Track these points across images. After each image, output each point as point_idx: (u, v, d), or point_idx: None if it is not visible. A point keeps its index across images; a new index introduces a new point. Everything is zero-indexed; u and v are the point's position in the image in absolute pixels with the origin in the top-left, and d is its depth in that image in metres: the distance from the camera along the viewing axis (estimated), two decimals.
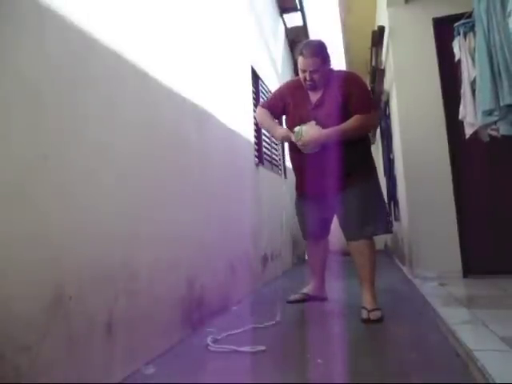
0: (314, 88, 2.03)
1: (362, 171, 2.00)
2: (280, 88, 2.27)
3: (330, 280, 3.30)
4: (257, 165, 3.15)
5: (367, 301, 1.89)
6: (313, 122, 1.96)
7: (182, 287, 1.70)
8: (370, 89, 2.14)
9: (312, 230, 2.21)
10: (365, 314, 1.83)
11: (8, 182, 0.92)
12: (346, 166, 1.93)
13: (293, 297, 2.24)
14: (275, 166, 4.02)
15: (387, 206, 2.18)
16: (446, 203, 2.75)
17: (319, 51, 1.97)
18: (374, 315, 1.81)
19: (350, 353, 1.39)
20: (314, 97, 2.05)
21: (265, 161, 3.55)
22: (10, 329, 0.89)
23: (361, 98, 1.96)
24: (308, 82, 2.01)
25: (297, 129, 1.97)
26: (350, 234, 2.01)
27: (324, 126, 1.94)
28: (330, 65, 2.04)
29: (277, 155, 4.15)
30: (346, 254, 5.81)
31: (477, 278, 2.52)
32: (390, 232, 2.11)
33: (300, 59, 2.00)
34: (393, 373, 1.21)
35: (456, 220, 2.72)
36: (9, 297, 0.90)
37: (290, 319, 1.99)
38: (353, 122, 1.92)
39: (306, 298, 2.22)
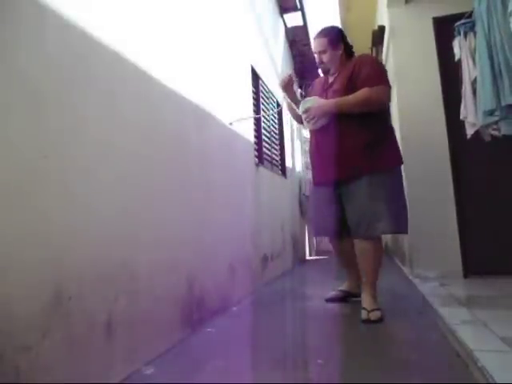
0: (326, 70, 2.08)
1: (374, 159, 1.86)
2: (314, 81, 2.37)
3: (329, 280, 3.31)
4: (257, 165, 3.14)
5: (367, 301, 1.86)
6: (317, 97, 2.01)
7: (181, 287, 1.70)
8: (383, 67, 2.05)
9: (326, 226, 2.08)
10: (364, 315, 1.81)
11: (8, 182, 0.92)
12: (355, 153, 1.87)
13: (330, 294, 2.22)
14: (275, 166, 4.02)
15: (405, 202, 1.97)
16: (447, 203, 2.75)
17: (327, 32, 2.04)
18: (374, 315, 1.79)
19: (349, 353, 1.39)
20: (329, 80, 2.10)
21: (265, 161, 3.54)
22: (10, 328, 0.89)
23: (369, 73, 1.89)
24: (319, 65, 2.08)
25: (302, 101, 2.04)
26: (355, 230, 1.90)
27: None
28: (339, 48, 2.04)
29: (277, 155, 4.15)
30: None
31: (477, 278, 2.52)
32: (406, 232, 1.93)
33: (312, 44, 2.12)
34: (393, 373, 1.21)
35: (456, 220, 2.72)
36: (9, 296, 0.90)
37: (291, 319, 1.99)
38: (358, 93, 1.86)
39: (344, 296, 2.19)
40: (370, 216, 1.83)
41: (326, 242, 6.09)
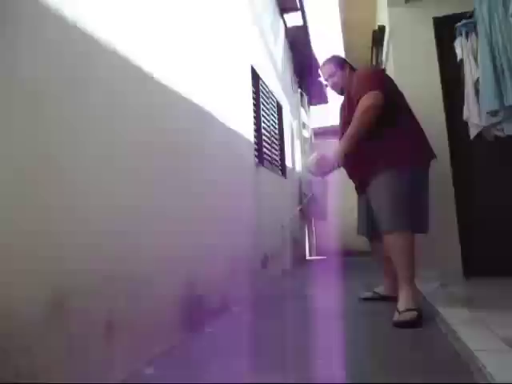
0: (341, 92, 2.25)
1: (383, 162, 1.89)
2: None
3: (329, 280, 3.31)
4: (257, 165, 3.14)
5: (400, 301, 1.74)
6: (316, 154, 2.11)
7: (182, 287, 1.70)
8: (373, 73, 2.06)
9: (360, 227, 2.21)
10: (395, 317, 1.68)
11: (8, 182, 0.92)
12: (368, 156, 1.94)
13: (364, 294, 2.28)
14: (275, 166, 4.02)
15: (420, 200, 1.90)
16: (447, 203, 2.74)
17: (331, 58, 2.28)
18: (404, 316, 1.65)
19: (350, 353, 1.39)
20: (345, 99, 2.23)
21: (265, 161, 3.54)
22: (10, 329, 0.89)
23: (356, 88, 1.96)
24: (333, 87, 2.26)
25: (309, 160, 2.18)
26: (380, 225, 1.91)
27: (347, 122, 2.03)
28: (346, 68, 2.22)
29: (277, 155, 4.14)
30: (345, 254, 5.82)
31: (477, 278, 2.51)
32: (422, 232, 1.89)
33: (321, 74, 2.36)
34: (393, 373, 1.21)
35: (456, 220, 2.71)
36: (9, 296, 0.90)
37: (290, 319, 1.99)
38: (352, 123, 1.91)
39: (377, 297, 2.23)
40: (378, 215, 1.91)
41: (326, 242, 6.09)
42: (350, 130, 1.91)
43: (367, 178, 1.98)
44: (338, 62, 2.24)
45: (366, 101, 1.85)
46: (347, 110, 2.10)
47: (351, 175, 2.18)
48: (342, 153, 1.94)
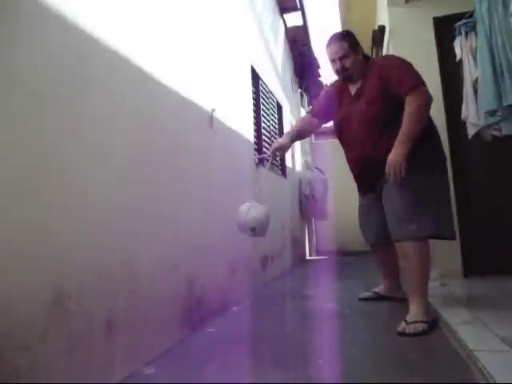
0: (349, 77, 1.87)
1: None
2: (323, 91, 2.20)
3: (329, 280, 3.31)
4: (257, 165, 3.14)
5: (410, 312, 1.64)
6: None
7: (181, 287, 1.70)
8: (410, 64, 1.77)
9: (370, 236, 2.09)
10: (400, 327, 1.57)
11: (8, 182, 0.92)
12: (383, 155, 1.67)
13: (364, 294, 2.28)
14: (275, 166, 4.02)
15: (445, 203, 1.77)
16: None
17: (345, 36, 1.87)
18: (411, 328, 1.55)
19: (349, 353, 1.39)
20: (353, 89, 1.90)
21: (265, 161, 3.54)
22: (10, 328, 0.89)
23: (399, 77, 1.70)
24: (341, 72, 1.87)
25: None
26: (391, 233, 1.76)
27: (365, 115, 1.79)
28: (360, 51, 1.88)
29: (277, 155, 4.14)
30: (345, 253, 5.82)
31: (477, 278, 2.51)
32: (449, 237, 1.76)
33: (327, 51, 1.87)
34: (393, 372, 1.21)
35: (456, 220, 2.71)
36: (8, 296, 0.90)
37: (290, 319, 1.99)
38: (406, 119, 1.64)
39: (377, 297, 2.23)
40: (403, 216, 1.70)
41: (326, 242, 6.09)
42: (410, 131, 1.64)
43: (379, 180, 1.80)
44: (353, 43, 1.85)
45: (420, 99, 1.65)
46: (372, 102, 1.78)
47: (360, 175, 1.97)
48: (405, 155, 1.63)
